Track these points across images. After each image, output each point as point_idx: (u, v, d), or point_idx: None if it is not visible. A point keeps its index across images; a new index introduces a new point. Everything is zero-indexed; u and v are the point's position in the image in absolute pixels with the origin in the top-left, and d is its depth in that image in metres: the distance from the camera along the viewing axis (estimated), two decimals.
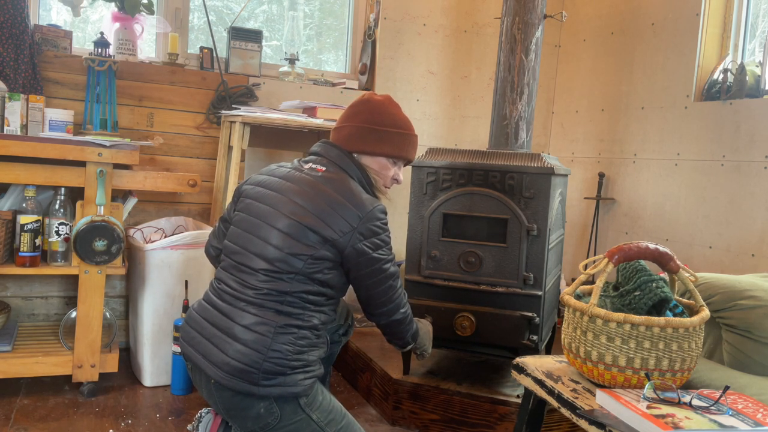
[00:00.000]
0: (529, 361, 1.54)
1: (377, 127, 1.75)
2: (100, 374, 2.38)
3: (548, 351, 2.55)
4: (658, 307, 1.41)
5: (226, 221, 1.80)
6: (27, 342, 2.45)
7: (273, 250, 1.57)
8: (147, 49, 2.98)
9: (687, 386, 1.40)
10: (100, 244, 2.24)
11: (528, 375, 1.49)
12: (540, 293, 2.17)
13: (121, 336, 2.86)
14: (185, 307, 2.46)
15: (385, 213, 1.67)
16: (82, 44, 2.98)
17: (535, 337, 2.16)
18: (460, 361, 2.56)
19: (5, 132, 2.39)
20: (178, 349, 2.40)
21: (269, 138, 3.06)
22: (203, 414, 1.77)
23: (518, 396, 2.19)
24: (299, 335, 1.54)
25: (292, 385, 1.50)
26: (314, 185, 1.63)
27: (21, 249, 2.24)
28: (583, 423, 1.23)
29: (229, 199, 2.58)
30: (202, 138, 2.97)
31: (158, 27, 2.92)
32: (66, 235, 2.31)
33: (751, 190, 2.57)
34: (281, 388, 1.49)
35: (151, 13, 2.85)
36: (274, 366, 1.49)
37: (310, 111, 2.84)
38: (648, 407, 1.18)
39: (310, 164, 1.72)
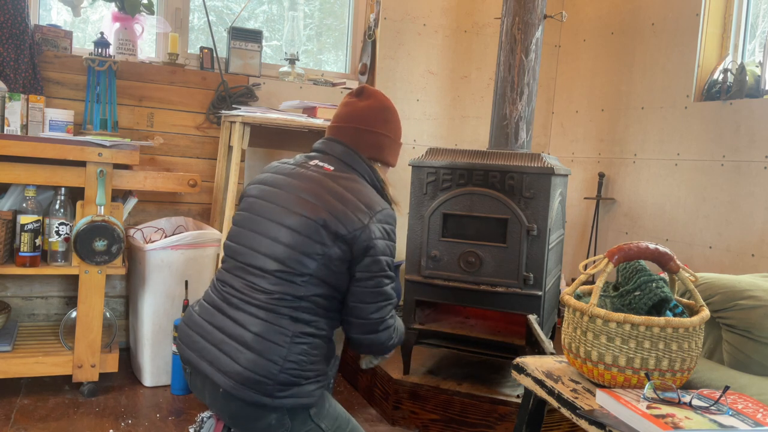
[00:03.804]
0: (529, 361, 1.54)
1: (399, 139, 1.75)
2: (100, 374, 2.38)
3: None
4: (658, 307, 1.41)
5: None
6: (27, 342, 2.45)
7: (284, 250, 1.49)
8: (147, 49, 2.98)
9: (687, 386, 1.40)
10: (100, 244, 2.24)
11: (528, 375, 1.49)
12: (540, 293, 2.17)
13: (121, 336, 2.86)
14: (185, 307, 2.46)
15: (395, 220, 1.59)
16: (82, 44, 2.98)
17: None
18: (460, 361, 2.56)
19: (5, 132, 2.40)
20: None
21: (269, 138, 3.06)
22: (205, 419, 1.69)
23: (518, 396, 2.19)
24: (314, 344, 1.49)
25: (305, 396, 1.46)
26: (322, 182, 1.56)
27: (21, 249, 2.24)
28: (583, 423, 1.23)
29: (229, 199, 2.57)
30: (202, 138, 2.97)
31: (158, 27, 2.92)
32: (66, 235, 2.31)
33: (751, 190, 2.57)
34: (294, 399, 1.44)
35: (151, 13, 2.85)
36: (289, 377, 1.43)
37: (310, 111, 2.84)
38: (648, 407, 1.18)
39: (316, 161, 1.64)
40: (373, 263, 1.51)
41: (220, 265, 1.94)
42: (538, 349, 1.82)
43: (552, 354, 1.71)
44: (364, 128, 1.68)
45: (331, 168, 1.61)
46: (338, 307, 1.56)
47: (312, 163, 1.65)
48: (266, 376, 1.42)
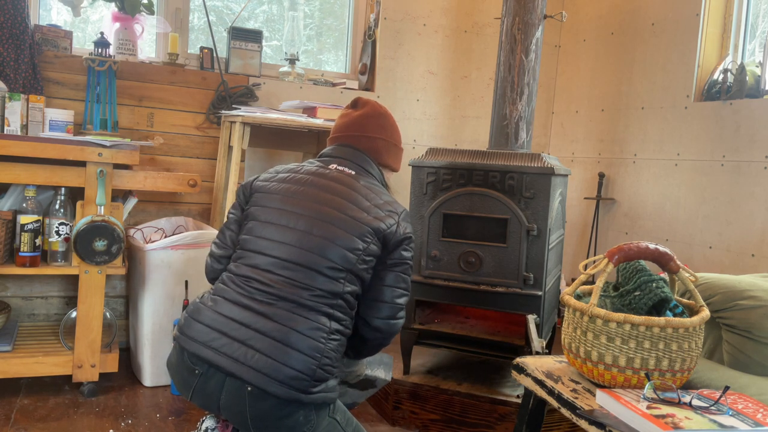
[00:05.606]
0: (529, 361, 1.54)
1: (398, 144, 1.84)
2: (100, 374, 2.38)
3: (548, 351, 2.55)
4: (658, 307, 1.41)
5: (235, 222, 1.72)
6: (27, 342, 2.45)
7: (327, 245, 1.52)
8: (147, 49, 2.98)
9: (687, 386, 1.40)
10: (100, 244, 2.24)
11: (528, 375, 1.49)
12: (540, 293, 2.17)
13: (121, 336, 2.86)
14: (185, 307, 2.45)
15: None
16: (83, 44, 2.98)
17: None
18: (460, 361, 2.56)
19: (5, 132, 2.40)
20: None
21: (269, 138, 3.06)
22: (209, 429, 1.64)
23: (518, 396, 2.19)
24: (342, 342, 1.53)
25: (331, 391, 1.48)
26: (352, 184, 1.64)
27: (21, 249, 2.24)
28: (583, 423, 1.23)
29: (229, 199, 2.57)
30: (202, 138, 2.97)
31: (158, 27, 2.92)
32: (66, 235, 2.31)
33: (751, 190, 2.57)
34: (323, 394, 1.46)
35: (151, 13, 2.85)
36: (323, 373, 1.45)
37: (310, 111, 2.84)
38: (648, 407, 1.18)
39: (335, 165, 1.70)
40: (404, 252, 1.62)
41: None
42: (528, 348, 1.83)
43: (538, 353, 1.72)
44: (361, 134, 1.77)
45: (352, 171, 1.69)
46: (357, 305, 1.62)
47: (332, 167, 1.70)
48: (303, 371, 1.42)
